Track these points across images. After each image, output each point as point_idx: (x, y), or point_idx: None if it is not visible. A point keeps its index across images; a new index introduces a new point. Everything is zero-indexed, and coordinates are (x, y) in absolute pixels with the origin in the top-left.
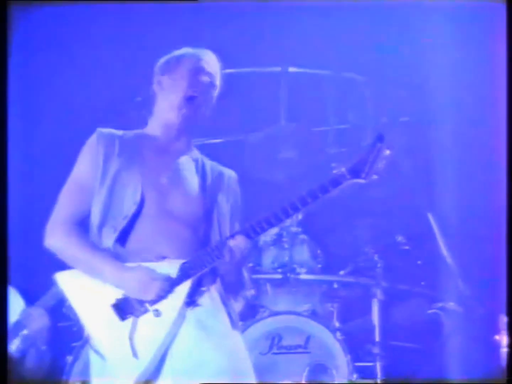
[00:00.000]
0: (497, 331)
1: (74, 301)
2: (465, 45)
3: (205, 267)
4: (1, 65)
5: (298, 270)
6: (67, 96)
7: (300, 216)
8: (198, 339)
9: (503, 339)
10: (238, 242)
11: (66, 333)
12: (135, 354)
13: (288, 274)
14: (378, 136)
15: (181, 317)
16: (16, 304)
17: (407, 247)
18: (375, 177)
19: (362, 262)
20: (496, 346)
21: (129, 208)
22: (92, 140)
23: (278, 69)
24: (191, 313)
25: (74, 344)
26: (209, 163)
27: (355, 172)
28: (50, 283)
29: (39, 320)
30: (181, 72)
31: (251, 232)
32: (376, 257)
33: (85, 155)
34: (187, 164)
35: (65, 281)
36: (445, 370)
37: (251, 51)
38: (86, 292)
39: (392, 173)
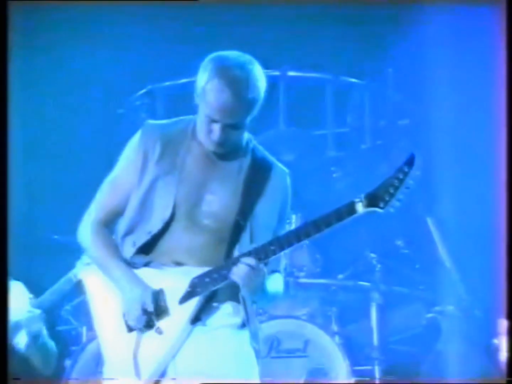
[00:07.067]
0: (495, 335)
1: (92, 297)
2: (464, 47)
3: (213, 286)
4: (1, 65)
5: (297, 274)
6: (68, 95)
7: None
8: (202, 357)
9: (502, 343)
10: (240, 269)
11: (65, 337)
12: (137, 373)
13: (287, 278)
14: (408, 159)
15: (184, 335)
16: (21, 296)
17: (406, 251)
18: (397, 204)
19: (361, 266)
20: (495, 349)
21: (155, 224)
22: (134, 140)
23: (277, 73)
24: (196, 330)
25: (73, 348)
26: (260, 160)
27: (373, 201)
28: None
29: (38, 321)
30: (215, 95)
31: (261, 255)
32: (375, 261)
33: (126, 155)
34: (233, 166)
35: (88, 276)
36: (444, 374)
37: (249, 54)
38: (105, 292)
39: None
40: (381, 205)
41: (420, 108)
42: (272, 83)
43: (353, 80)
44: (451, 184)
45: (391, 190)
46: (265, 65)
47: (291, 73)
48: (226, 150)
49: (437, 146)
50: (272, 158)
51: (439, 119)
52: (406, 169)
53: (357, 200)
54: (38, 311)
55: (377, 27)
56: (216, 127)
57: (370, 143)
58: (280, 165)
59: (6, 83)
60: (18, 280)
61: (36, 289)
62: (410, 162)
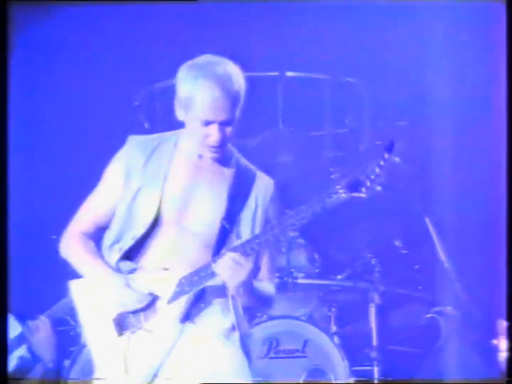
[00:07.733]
0: (495, 335)
1: (81, 309)
2: (464, 47)
3: (201, 283)
4: (1, 65)
5: (295, 274)
6: (67, 95)
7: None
8: (193, 355)
9: (501, 343)
10: (224, 261)
11: (64, 337)
12: (129, 375)
13: (286, 279)
14: (388, 146)
15: (175, 334)
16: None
17: (404, 251)
18: (378, 188)
19: (360, 266)
20: (494, 350)
21: (139, 229)
22: (118, 156)
23: (275, 73)
24: (187, 329)
25: (72, 348)
26: (243, 169)
27: (354, 186)
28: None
29: (44, 331)
30: (203, 96)
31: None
32: (373, 262)
33: (110, 170)
34: (218, 174)
35: (77, 288)
36: (443, 374)
37: (248, 55)
38: (93, 302)
39: (390, 177)
40: (363, 190)
41: (419, 109)
42: (271, 83)
43: (352, 80)
44: (450, 185)
45: (372, 176)
46: (264, 66)
47: (289, 74)
48: (219, 155)
49: (436, 147)
50: (255, 168)
51: (438, 120)
52: (385, 155)
53: (338, 186)
54: (47, 321)
55: (376, 26)
56: (213, 129)
57: (369, 144)
58: (263, 174)
59: (6, 83)
60: (17, 280)
61: (35, 289)
62: (389, 148)
